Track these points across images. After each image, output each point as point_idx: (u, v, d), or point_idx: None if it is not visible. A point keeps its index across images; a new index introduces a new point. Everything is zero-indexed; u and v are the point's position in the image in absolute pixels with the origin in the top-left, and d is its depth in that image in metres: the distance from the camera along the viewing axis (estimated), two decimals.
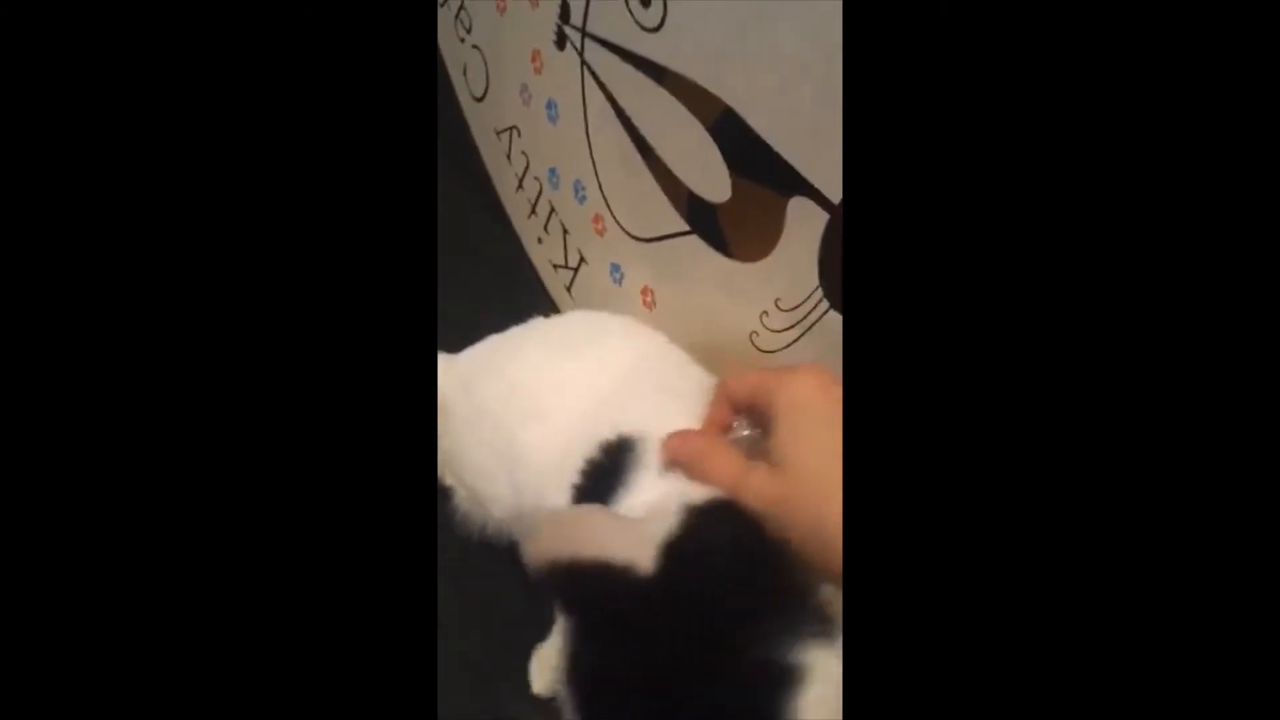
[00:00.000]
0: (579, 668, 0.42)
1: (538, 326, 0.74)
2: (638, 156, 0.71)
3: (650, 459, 0.51)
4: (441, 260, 0.44)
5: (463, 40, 0.96)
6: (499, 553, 0.70)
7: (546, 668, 0.67)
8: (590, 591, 0.42)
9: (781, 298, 0.61)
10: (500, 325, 0.76)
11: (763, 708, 0.38)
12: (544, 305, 0.99)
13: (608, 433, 0.54)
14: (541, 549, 0.42)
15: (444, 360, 0.72)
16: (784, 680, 0.38)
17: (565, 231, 0.91)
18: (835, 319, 0.58)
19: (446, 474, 0.71)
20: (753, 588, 0.41)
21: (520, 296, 0.99)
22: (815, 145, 0.54)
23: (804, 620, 0.40)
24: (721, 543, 0.43)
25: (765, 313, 0.63)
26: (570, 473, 0.54)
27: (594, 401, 0.58)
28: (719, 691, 0.38)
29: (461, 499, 0.71)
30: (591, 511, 0.48)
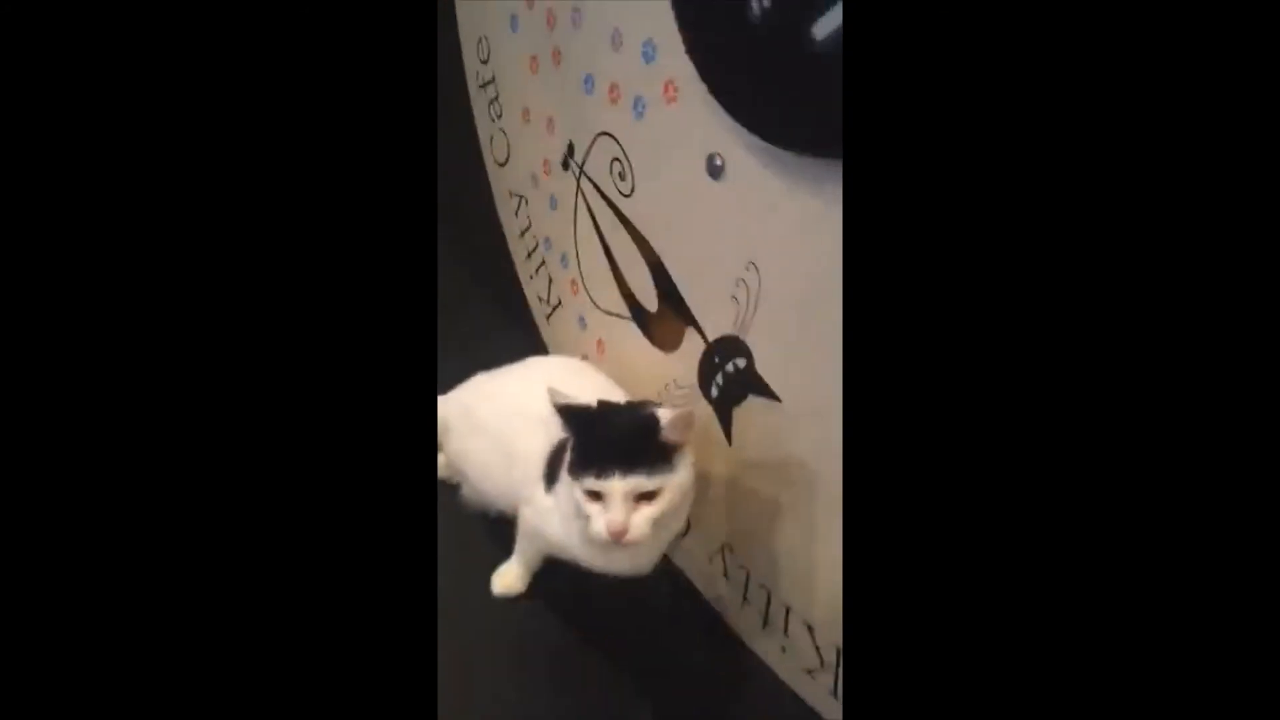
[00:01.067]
0: None
1: (514, 368, 1.05)
2: (604, 260, 1.04)
3: None
4: (454, 274, 0.72)
5: (494, 121, 1.26)
6: (497, 527, 1.01)
7: (500, 578, 0.99)
8: None
9: (677, 380, 0.96)
10: (497, 339, 1.07)
11: None
12: (530, 328, 1.31)
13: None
14: None
15: (443, 398, 1.04)
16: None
17: (550, 281, 1.23)
18: (703, 404, 0.92)
19: (453, 474, 1.05)
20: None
21: (513, 321, 1.31)
22: (705, 298, 0.88)
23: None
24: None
25: (667, 385, 0.98)
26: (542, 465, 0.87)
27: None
28: None
29: (466, 491, 1.04)
30: None
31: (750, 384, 0.83)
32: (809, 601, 0.82)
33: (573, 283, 1.16)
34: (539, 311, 1.31)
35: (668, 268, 0.92)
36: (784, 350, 0.79)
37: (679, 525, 0.83)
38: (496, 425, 0.96)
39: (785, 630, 0.86)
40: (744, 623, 0.92)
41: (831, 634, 0.79)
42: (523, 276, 1.33)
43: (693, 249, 0.88)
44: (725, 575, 0.95)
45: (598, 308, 1.11)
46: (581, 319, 1.17)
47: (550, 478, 0.85)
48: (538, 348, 1.29)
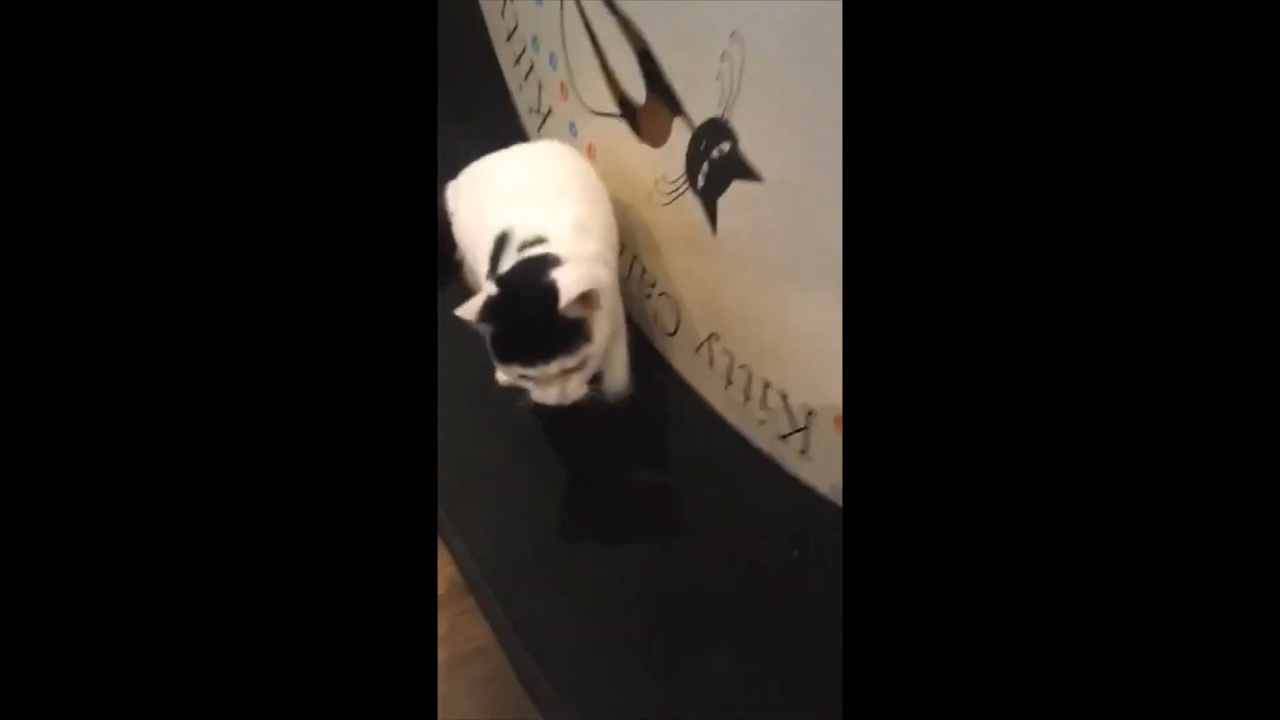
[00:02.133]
0: None
1: (513, 151, 1.05)
2: (593, 54, 1.02)
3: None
4: (441, 87, 0.67)
5: None
6: None
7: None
8: None
9: (666, 175, 0.97)
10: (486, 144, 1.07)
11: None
12: (519, 137, 1.31)
13: (526, 233, 0.85)
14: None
15: (451, 183, 1.05)
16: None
17: (540, 87, 1.21)
18: (691, 196, 0.94)
19: (462, 250, 1.04)
20: None
21: (508, 136, 1.31)
22: (691, 79, 0.88)
23: None
24: None
25: (657, 180, 1.00)
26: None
27: (517, 192, 0.92)
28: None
29: (465, 269, 1.04)
30: None
31: (735, 168, 0.85)
32: (784, 373, 0.89)
33: (562, 85, 1.15)
34: (530, 124, 1.29)
35: (653, 51, 0.91)
36: (770, 129, 0.80)
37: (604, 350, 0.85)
38: (472, 202, 0.98)
39: (764, 403, 0.93)
40: (726, 402, 1.00)
41: (802, 398, 0.87)
42: (512, 86, 1.31)
43: (677, 22, 0.87)
44: (711, 364, 1.01)
45: (587, 109, 1.10)
46: (572, 125, 1.16)
47: (490, 273, 0.86)
48: None
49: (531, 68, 1.22)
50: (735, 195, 0.87)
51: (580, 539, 0.89)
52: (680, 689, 0.76)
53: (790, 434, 0.90)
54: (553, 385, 0.79)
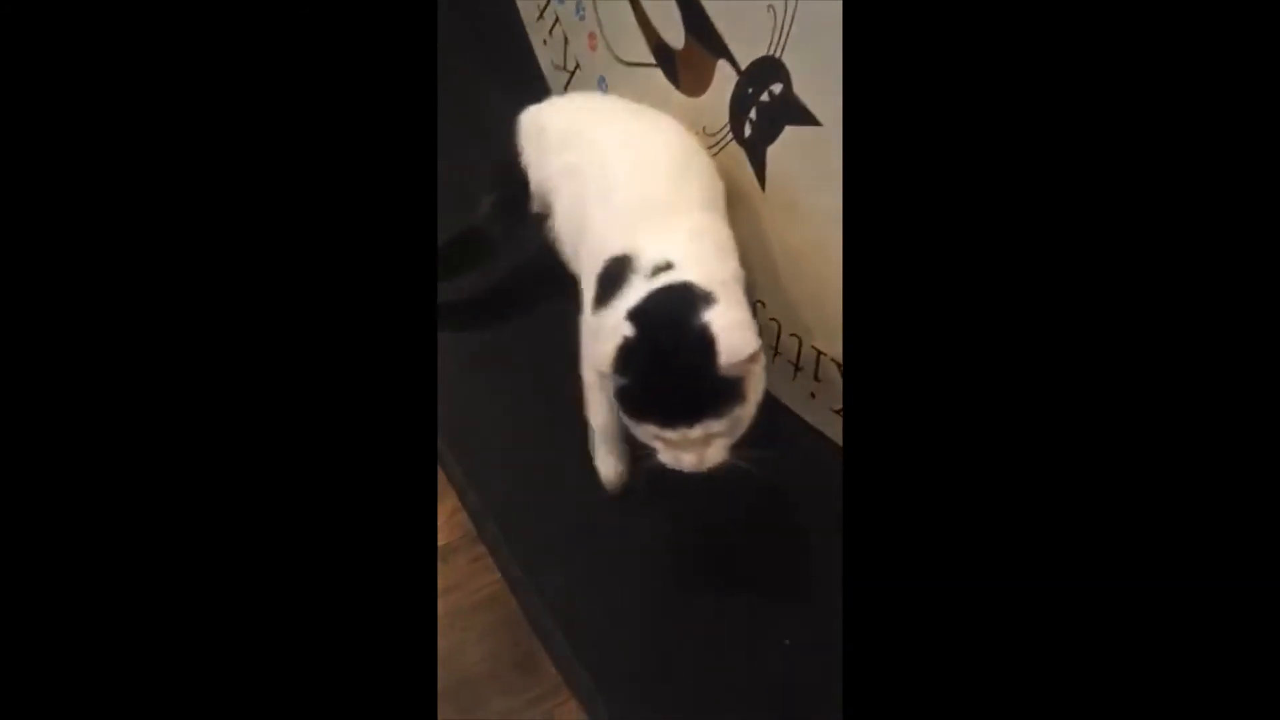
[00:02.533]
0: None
1: (626, 110, 0.90)
2: (626, 2, 0.94)
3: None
4: (463, 50, 0.62)
5: None
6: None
7: (605, 467, 0.81)
8: None
9: (708, 125, 0.89)
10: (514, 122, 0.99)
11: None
12: (543, 97, 1.23)
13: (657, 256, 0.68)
14: None
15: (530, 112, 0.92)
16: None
17: (566, 41, 1.14)
18: (735, 147, 0.86)
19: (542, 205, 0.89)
20: None
21: (532, 97, 1.23)
22: (738, 17, 0.79)
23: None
24: None
25: (698, 131, 0.92)
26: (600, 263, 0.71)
27: (640, 206, 0.74)
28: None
29: (550, 229, 0.88)
30: None
31: (788, 112, 0.77)
32: (839, 341, 0.81)
33: (590, 36, 1.07)
34: (556, 81, 1.22)
35: None
36: (827, 64, 0.72)
37: None
38: (582, 168, 0.82)
39: (816, 375, 0.85)
40: (774, 375, 0.92)
41: None
42: (535, 42, 1.23)
43: None
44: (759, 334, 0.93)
45: (619, 60, 1.02)
46: (601, 80, 1.08)
47: (601, 298, 0.71)
48: None
49: (556, 20, 1.14)
50: (787, 143, 0.79)
51: (594, 490, 0.82)
52: (692, 638, 0.72)
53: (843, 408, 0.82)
54: (690, 451, 0.64)
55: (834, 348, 0.82)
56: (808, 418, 0.88)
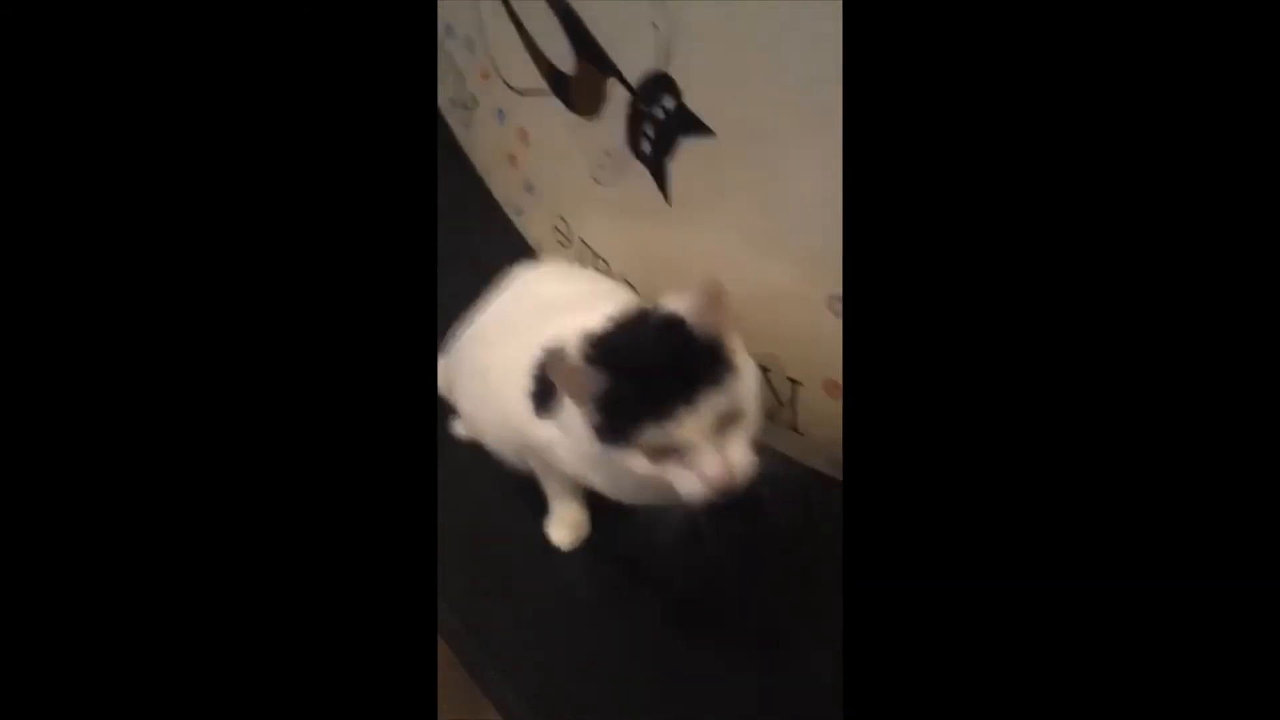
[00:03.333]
0: None
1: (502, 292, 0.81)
2: (514, 30, 0.94)
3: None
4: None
5: None
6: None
7: (558, 529, 0.76)
8: None
9: (608, 150, 0.89)
10: None
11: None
12: (452, 146, 1.21)
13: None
14: None
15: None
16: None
17: (461, 78, 1.12)
18: (638, 166, 0.86)
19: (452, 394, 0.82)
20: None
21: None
22: (622, 33, 0.80)
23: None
24: None
25: (598, 155, 0.91)
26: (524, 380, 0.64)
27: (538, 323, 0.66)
28: None
29: (459, 418, 0.82)
30: None
31: (682, 124, 0.77)
32: (763, 346, 0.80)
33: (483, 71, 1.06)
34: (456, 120, 1.20)
35: (576, 8, 0.82)
36: (714, 74, 0.72)
37: None
38: (471, 359, 0.77)
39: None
40: None
41: (785, 369, 0.78)
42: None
43: None
44: None
45: (513, 90, 1.01)
46: (500, 112, 1.07)
47: (540, 400, 0.63)
48: (457, 157, 1.20)
49: (450, 57, 1.13)
50: (685, 155, 0.79)
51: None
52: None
53: (776, 410, 0.81)
54: (709, 454, 0.53)
55: (757, 351, 0.81)
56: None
